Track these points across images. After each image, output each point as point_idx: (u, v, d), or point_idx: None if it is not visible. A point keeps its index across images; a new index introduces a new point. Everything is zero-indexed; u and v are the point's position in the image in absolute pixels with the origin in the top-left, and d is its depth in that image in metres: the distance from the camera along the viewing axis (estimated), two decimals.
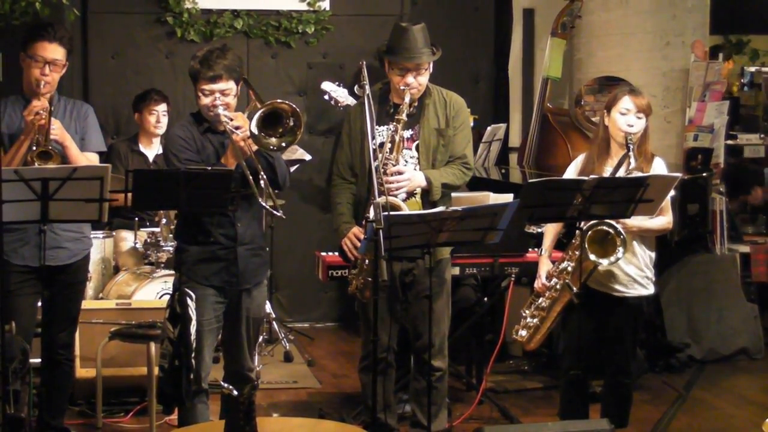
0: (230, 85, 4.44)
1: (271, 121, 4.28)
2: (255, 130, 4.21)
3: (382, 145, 4.74)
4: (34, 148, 4.41)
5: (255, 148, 4.32)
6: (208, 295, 4.48)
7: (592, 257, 4.55)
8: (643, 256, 4.76)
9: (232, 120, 4.36)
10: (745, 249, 7.50)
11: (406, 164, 4.77)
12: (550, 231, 4.94)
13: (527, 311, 4.90)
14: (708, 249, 7.16)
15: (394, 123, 4.71)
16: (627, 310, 4.77)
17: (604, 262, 4.57)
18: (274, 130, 4.29)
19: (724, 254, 7.25)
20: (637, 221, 4.65)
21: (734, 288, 7.11)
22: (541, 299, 4.85)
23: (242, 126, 4.32)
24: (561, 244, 5.03)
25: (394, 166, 4.69)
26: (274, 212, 4.35)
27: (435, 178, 4.76)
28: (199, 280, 4.47)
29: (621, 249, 4.53)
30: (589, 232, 4.56)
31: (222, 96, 4.41)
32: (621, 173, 4.55)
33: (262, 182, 4.38)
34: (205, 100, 4.43)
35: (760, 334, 7.03)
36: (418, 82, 4.73)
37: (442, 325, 4.91)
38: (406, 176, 4.71)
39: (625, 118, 4.65)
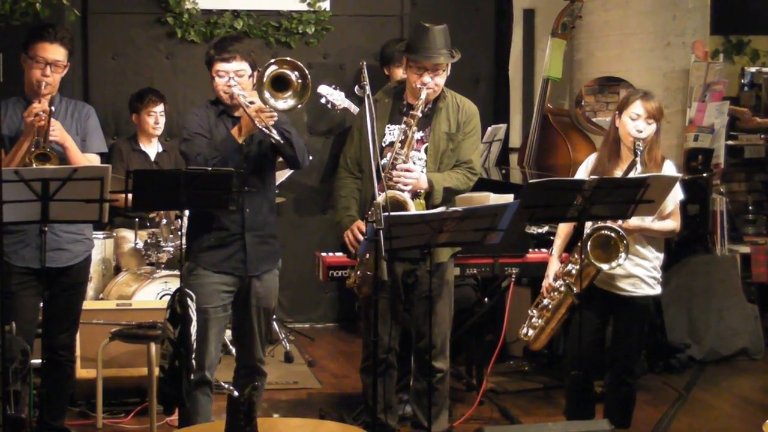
0: (244, 66, 4.50)
1: (280, 85, 4.30)
2: (267, 95, 4.25)
3: (392, 144, 4.74)
4: (33, 149, 4.40)
5: (271, 122, 4.35)
6: (216, 282, 4.50)
7: (594, 262, 4.55)
8: (652, 258, 4.75)
9: (246, 96, 4.40)
10: (745, 249, 7.51)
11: (414, 165, 4.75)
12: (562, 231, 4.93)
13: (535, 311, 4.89)
14: (708, 249, 7.16)
15: (407, 119, 4.69)
16: (634, 310, 4.76)
17: (605, 267, 4.56)
18: (283, 92, 4.31)
19: (725, 255, 7.24)
20: (645, 223, 4.64)
21: (734, 288, 7.10)
22: (546, 299, 4.85)
23: (256, 101, 4.36)
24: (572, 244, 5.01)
25: (404, 162, 4.68)
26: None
27: (437, 181, 4.74)
28: (206, 267, 4.49)
29: (623, 254, 4.52)
30: (592, 237, 4.55)
31: (236, 77, 4.47)
32: None
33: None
34: (220, 81, 4.49)
35: (760, 334, 7.02)
36: (434, 82, 4.71)
37: (444, 327, 4.91)
38: (414, 174, 4.69)
39: (635, 123, 4.62)
